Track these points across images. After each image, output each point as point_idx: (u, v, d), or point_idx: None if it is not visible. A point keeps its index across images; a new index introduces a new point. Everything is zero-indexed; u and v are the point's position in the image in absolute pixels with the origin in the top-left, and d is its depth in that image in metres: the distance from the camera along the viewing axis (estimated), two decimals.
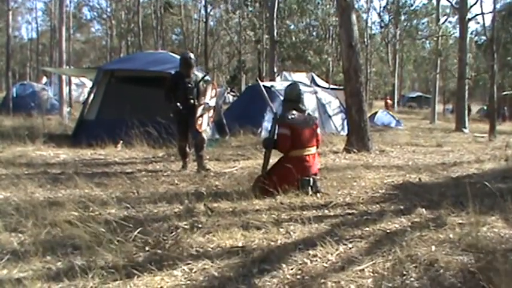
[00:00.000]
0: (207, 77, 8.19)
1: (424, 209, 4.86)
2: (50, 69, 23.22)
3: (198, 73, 7.98)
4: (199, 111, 7.35)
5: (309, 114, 6.05)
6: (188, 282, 3.20)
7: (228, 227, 4.20)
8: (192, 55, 7.88)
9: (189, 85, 7.46)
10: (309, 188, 5.62)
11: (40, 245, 3.73)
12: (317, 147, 6.06)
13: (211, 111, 7.62)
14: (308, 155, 5.75)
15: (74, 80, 26.04)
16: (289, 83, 6.99)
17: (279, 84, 14.93)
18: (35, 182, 6.09)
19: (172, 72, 10.09)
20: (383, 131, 16.99)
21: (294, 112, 5.81)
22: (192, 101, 7.41)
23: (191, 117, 7.37)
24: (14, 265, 3.43)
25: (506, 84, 31.82)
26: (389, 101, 37.98)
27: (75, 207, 4.63)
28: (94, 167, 7.55)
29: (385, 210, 4.96)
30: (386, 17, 42.86)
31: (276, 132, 5.85)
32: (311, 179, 5.68)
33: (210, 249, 3.74)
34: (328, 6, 30.69)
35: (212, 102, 7.60)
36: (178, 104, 7.34)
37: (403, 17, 42.02)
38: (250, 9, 31.95)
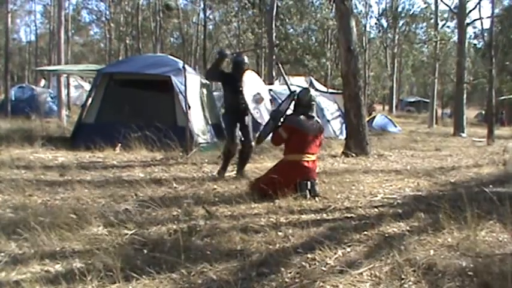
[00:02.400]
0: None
1: (422, 213, 4.86)
2: (46, 68, 23.03)
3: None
4: (250, 102, 6.78)
5: (316, 121, 6.04)
6: (187, 285, 3.20)
7: (227, 231, 4.20)
8: (246, 58, 7.39)
9: (241, 89, 6.82)
10: (307, 191, 5.63)
11: (38, 248, 3.73)
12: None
13: (268, 102, 7.09)
14: (307, 161, 5.75)
15: (73, 82, 26.01)
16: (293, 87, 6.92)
17: (278, 88, 14.99)
18: (33, 185, 6.07)
19: (171, 75, 10.18)
20: (381, 135, 17.01)
21: (302, 117, 5.85)
22: (243, 105, 6.87)
23: (242, 122, 7.06)
24: (12, 268, 3.41)
25: (504, 89, 31.88)
26: (375, 106, 36.06)
27: (73, 210, 4.62)
28: (92, 170, 7.53)
29: (383, 214, 4.96)
30: (384, 22, 42.96)
31: (279, 125, 6.00)
32: (309, 183, 5.68)
33: (208, 252, 3.74)
34: (326, 10, 30.70)
35: (265, 93, 7.10)
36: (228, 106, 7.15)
37: (401, 22, 42.15)
38: (249, 12, 31.96)
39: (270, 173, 5.86)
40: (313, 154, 5.85)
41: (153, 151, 9.12)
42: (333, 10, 25.54)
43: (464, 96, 21.50)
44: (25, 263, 3.48)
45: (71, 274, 3.25)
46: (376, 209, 5.21)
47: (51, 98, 21.30)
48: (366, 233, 4.28)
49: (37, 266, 3.45)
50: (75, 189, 5.78)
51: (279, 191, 5.42)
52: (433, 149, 12.10)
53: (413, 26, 44.46)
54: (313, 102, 6.05)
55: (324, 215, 4.96)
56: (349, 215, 4.95)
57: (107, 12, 42.89)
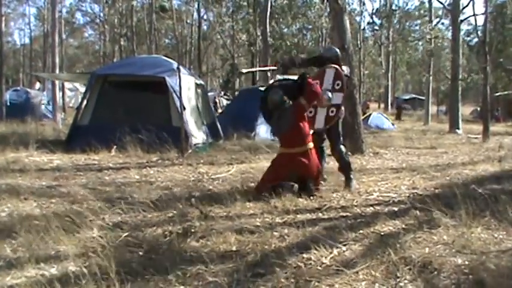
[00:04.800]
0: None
1: (417, 211, 4.87)
2: (43, 75, 23.07)
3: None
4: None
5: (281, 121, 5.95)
6: (182, 287, 3.20)
7: (222, 232, 4.19)
8: (338, 50, 6.69)
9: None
10: (293, 188, 5.70)
11: (33, 252, 3.71)
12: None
13: (334, 108, 6.27)
14: (296, 152, 5.74)
15: (68, 85, 25.92)
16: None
17: None
18: (28, 188, 6.04)
19: (165, 76, 10.16)
20: (377, 133, 17.03)
21: (274, 121, 6.04)
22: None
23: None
24: (7, 272, 3.40)
25: (499, 85, 31.92)
26: (369, 103, 35.84)
27: (68, 213, 4.61)
28: (88, 172, 7.51)
29: (379, 212, 4.97)
30: (377, 20, 43.05)
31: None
32: (295, 185, 5.74)
33: (204, 253, 3.73)
34: (318, 8, 30.68)
35: (337, 98, 6.24)
36: None
37: (395, 19, 42.24)
38: (244, 13, 31.94)
39: (267, 172, 5.91)
40: (299, 145, 5.77)
41: (149, 152, 9.09)
42: (327, 8, 25.56)
43: (459, 93, 21.52)
44: (20, 267, 3.47)
45: (66, 277, 3.24)
46: (371, 208, 5.22)
47: (46, 104, 21.05)
48: (361, 231, 4.28)
49: (32, 270, 3.43)
50: (70, 192, 5.76)
51: (274, 185, 5.61)
52: (429, 146, 12.12)
53: (408, 23, 44.55)
54: (286, 101, 5.91)
55: (320, 214, 4.96)
56: (344, 214, 4.95)
57: (101, 14, 42.91)
